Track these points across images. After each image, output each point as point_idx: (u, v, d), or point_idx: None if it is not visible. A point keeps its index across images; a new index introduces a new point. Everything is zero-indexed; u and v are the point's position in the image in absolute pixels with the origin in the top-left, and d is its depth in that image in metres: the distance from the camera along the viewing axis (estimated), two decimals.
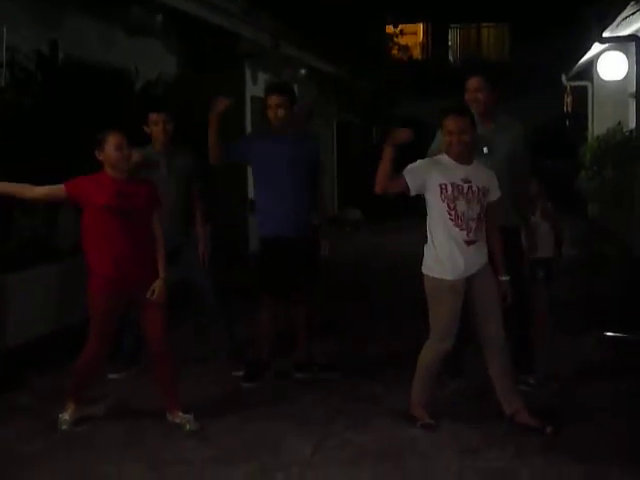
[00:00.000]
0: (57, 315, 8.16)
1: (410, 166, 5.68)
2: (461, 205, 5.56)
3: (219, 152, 6.74)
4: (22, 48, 8.38)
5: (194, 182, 7.23)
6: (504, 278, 5.73)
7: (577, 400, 6.36)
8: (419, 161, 5.74)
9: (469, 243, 5.60)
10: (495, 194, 5.73)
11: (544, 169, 21.78)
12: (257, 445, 5.62)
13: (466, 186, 5.58)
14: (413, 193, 5.64)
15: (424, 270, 5.74)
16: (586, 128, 19.07)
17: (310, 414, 6.18)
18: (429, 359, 5.79)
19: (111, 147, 5.70)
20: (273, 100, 6.74)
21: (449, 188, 5.57)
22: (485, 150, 6.14)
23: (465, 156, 5.66)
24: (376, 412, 6.16)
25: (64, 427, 5.87)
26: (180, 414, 5.93)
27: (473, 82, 6.35)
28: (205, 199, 7.36)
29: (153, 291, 5.76)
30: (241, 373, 7.03)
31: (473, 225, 5.59)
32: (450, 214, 5.57)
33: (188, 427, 5.86)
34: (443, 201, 5.58)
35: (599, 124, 17.20)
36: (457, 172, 5.61)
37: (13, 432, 5.89)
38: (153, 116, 7.04)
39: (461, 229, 5.58)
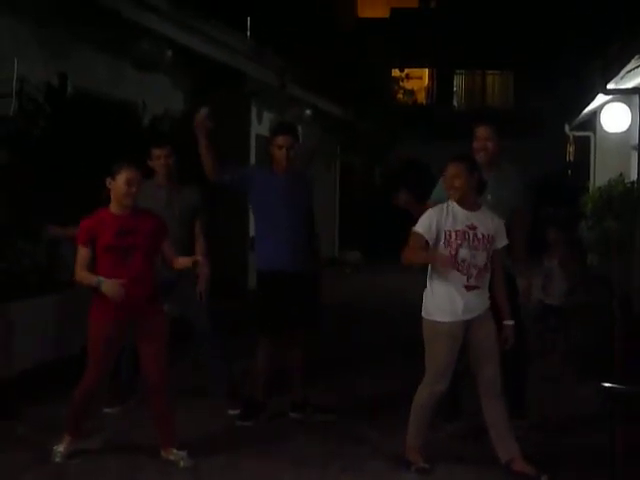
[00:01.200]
0: (55, 345, 8.16)
1: (421, 221, 5.69)
2: (464, 252, 5.58)
3: (213, 165, 6.85)
4: (32, 79, 8.44)
5: (197, 217, 7.21)
6: (508, 322, 5.72)
7: (567, 449, 6.34)
8: (428, 212, 5.75)
9: (469, 288, 5.61)
10: (502, 241, 5.74)
11: (545, 217, 21.91)
12: None
13: (471, 233, 5.60)
14: (432, 244, 5.65)
15: (423, 314, 5.76)
16: (588, 178, 19.13)
17: (306, 455, 6.16)
18: (423, 401, 5.79)
19: (122, 180, 5.70)
20: (283, 141, 6.83)
21: (453, 235, 5.60)
22: (489, 197, 6.19)
23: (469, 202, 5.68)
24: (372, 455, 6.14)
25: (57, 459, 5.84)
26: (174, 451, 5.90)
27: (483, 131, 6.41)
28: (207, 235, 7.33)
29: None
30: (237, 412, 7.01)
31: (474, 272, 5.60)
32: (453, 260, 5.58)
33: (182, 464, 5.83)
34: (446, 247, 5.60)
35: (601, 175, 17.24)
36: (463, 218, 5.64)
37: (5, 463, 5.86)
38: (155, 151, 7.09)
39: (462, 274, 5.59)
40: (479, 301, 5.67)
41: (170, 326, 6.13)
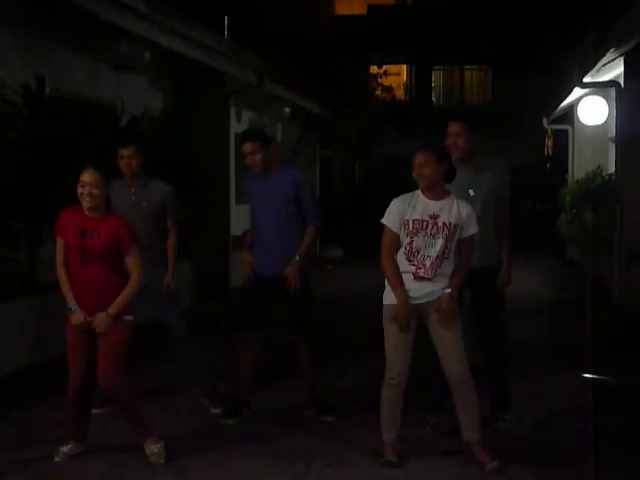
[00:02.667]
0: (38, 347, 8.17)
1: (387, 213, 5.78)
2: (418, 241, 5.65)
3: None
4: (9, 82, 8.46)
5: (167, 214, 7.17)
6: (447, 290, 5.68)
7: (547, 439, 6.40)
8: (393, 203, 5.81)
9: (416, 278, 5.67)
10: (469, 230, 5.75)
11: (524, 210, 22.05)
12: None
13: (431, 222, 5.65)
14: (399, 233, 5.72)
15: (383, 301, 5.85)
16: (566, 171, 19.26)
17: (289, 451, 6.19)
18: (383, 392, 5.88)
19: (79, 183, 5.73)
20: (246, 148, 6.88)
21: (410, 224, 5.67)
22: (471, 192, 6.24)
23: (436, 190, 5.72)
24: (355, 450, 6.18)
25: (57, 459, 5.88)
26: (147, 445, 5.99)
27: (454, 127, 6.46)
28: (180, 233, 7.30)
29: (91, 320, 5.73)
30: (218, 411, 7.06)
31: (427, 262, 5.64)
32: (405, 248, 5.68)
33: (155, 458, 5.93)
34: (406, 236, 5.69)
35: (579, 167, 17.37)
36: (425, 208, 5.69)
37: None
38: (120, 150, 7.03)
39: (412, 264, 5.67)
40: (431, 289, 5.69)
41: (135, 331, 6.00)
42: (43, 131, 8.49)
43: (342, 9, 30.47)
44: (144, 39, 10.19)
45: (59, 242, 5.82)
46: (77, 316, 5.70)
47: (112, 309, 5.71)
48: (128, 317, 5.84)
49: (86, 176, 5.71)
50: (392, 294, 5.73)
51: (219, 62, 12.71)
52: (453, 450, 6.05)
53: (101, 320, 5.69)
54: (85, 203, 5.72)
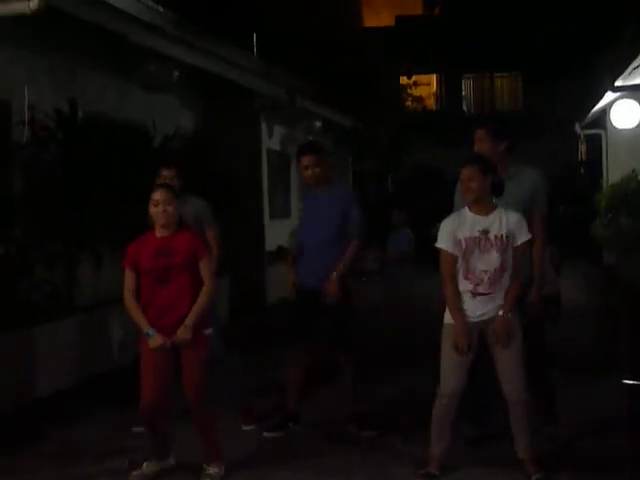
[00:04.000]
0: (79, 367, 8.25)
1: (440, 236, 5.76)
2: (474, 258, 5.63)
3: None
4: (43, 107, 8.56)
5: (206, 229, 7.20)
6: (501, 313, 5.64)
7: (591, 449, 6.36)
8: (443, 224, 5.80)
9: (476, 295, 5.65)
10: (522, 237, 5.71)
11: (559, 215, 21.94)
12: None
13: (483, 238, 5.64)
14: (455, 254, 5.70)
15: (444, 319, 5.81)
16: (600, 176, 19.14)
17: (330, 465, 6.19)
18: (434, 408, 5.84)
19: (152, 203, 5.85)
20: (306, 160, 6.89)
21: (463, 242, 5.65)
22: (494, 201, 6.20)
23: (483, 204, 5.70)
24: (397, 462, 6.16)
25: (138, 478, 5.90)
26: (206, 468, 5.96)
27: (478, 133, 6.43)
28: (221, 249, 7.35)
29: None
30: (251, 427, 7.08)
31: (485, 277, 5.62)
32: (462, 266, 5.66)
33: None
34: (459, 254, 5.67)
35: (613, 172, 17.26)
36: (475, 225, 5.67)
37: None
38: (163, 171, 7.10)
39: (470, 282, 5.64)
40: (491, 306, 5.66)
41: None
42: (77, 154, 8.59)
43: (370, 21, 30.52)
44: (172, 58, 10.27)
45: (129, 275, 5.84)
46: (155, 340, 5.71)
47: (189, 320, 5.76)
48: (207, 331, 5.95)
49: (158, 195, 5.83)
50: (447, 312, 5.73)
51: (248, 80, 12.78)
52: (489, 462, 6.03)
53: (181, 334, 5.75)
54: (160, 220, 5.82)
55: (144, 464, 5.95)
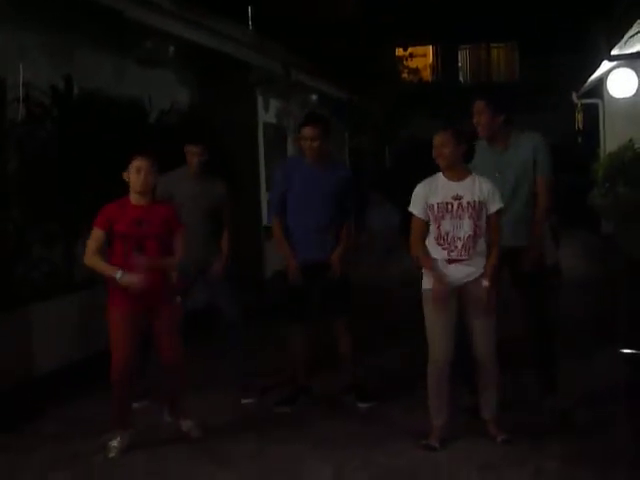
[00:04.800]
0: (78, 345, 8.26)
1: (413, 201, 5.84)
2: (446, 224, 5.71)
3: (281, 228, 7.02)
4: (38, 83, 8.53)
5: (223, 210, 7.39)
6: (484, 283, 5.73)
7: (593, 416, 6.39)
8: (416, 189, 5.88)
9: (450, 262, 5.73)
10: (494, 205, 5.78)
11: (558, 184, 21.92)
12: (278, 468, 5.71)
13: (456, 203, 5.71)
14: (426, 219, 5.78)
15: (422, 286, 5.89)
16: (598, 145, 19.13)
17: (330, 437, 6.23)
18: (429, 377, 5.91)
19: (132, 169, 5.94)
20: (307, 132, 6.80)
21: (435, 208, 5.74)
22: (497, 175, 6.20)
23: (456, 171, 5.78)
24: (395, 434, 6.20)
25: (113, 454, 5.93)
26: (186, 422, 6.22)
27: (475, 106, 6.45)
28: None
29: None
30: (250, 400, 7.16)
31: (459, 244, 5.70)
32: (434, 232, 5.75)
33: (194, 434, 6.20)
34: (431, 221, 5.76)
35: (610, 141, 17.25)
36: (448, 190, 5.75)
37: (38, 461, 5.96)
38: (190, 147, 7.22)
39: (443, 248, 5.73)
40: (466, 271, 5.74)
41: (185, 319, 6.37)
42: (73, 130, 8.57)
43: None
44: (168, 34, 10.23)
45: (99, 234, 5.90)
46: (129, 277, 5.79)
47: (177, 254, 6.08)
48: (178, 299, 6.23)
49: (140, 162, 5.95)
50: (426, 278, 5.79)
51: (244, 53, 12.73)
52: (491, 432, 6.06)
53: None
54: (137, 187, 5.93)
55: (111, 443, 5.98)
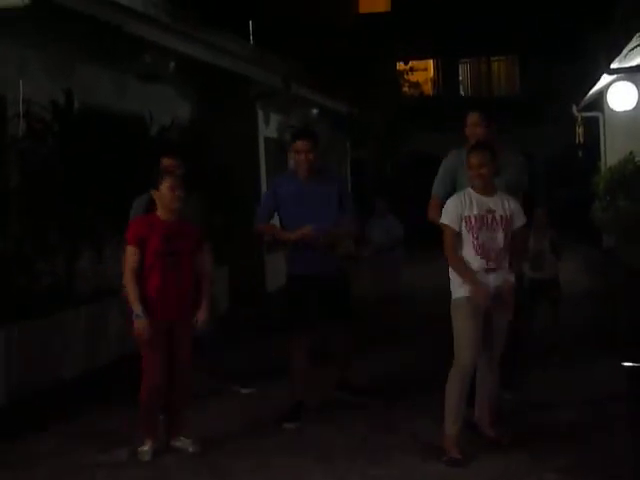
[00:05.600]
0: (81, 359, 8.27)
1: (446, 212, 5.96)
2: (483, 235, 5.85)
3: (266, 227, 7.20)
4: (38, 99, 8.55)
5: (204, 222, 7.34)
6: (509, 277, 5.93)
7: (593, 427, 6.39)
8: (448, 202, 6.01)
9: (488, 271, 5.86)
10: (519, 221, 5.99)
11: (557, 198, 21.94)
12: None
13: (490, 216, 5.88)
14: (458, 230, 5.90)
15: (452, 295, 5.98)
16: (598, 158, 19.12)
17: (333, 447, 6.23)
18: (453, 382, 5.92)
19: (166, 187, 5.99)
20: (301, 145, 6.97)
21: (473, 220, 5.87)
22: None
23: (488, 188, 5.94)
24: (400, 446, 6.19)
25: (147, 458, 6.02)
26: (181, 438, 6.20)
27: (471, 118, 6.56)
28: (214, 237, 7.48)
29: (197, 320, 6.11)
30: (250, 390, 7.62)
31: (493, 254, 5.85)
32: (473, 243, 5.86)
33: (190, 450, 6.16)
34: (469, 232, 5.87)
35: (611, 154, 17.24)
36: (481, 204, 5.89)
37: (39, 476, 5.94)
38: (165, 161, 7.12)
39: (482, 257, 5.85)
40: (500, 279, 5.89)
41: None
42: (74, 145, 8.58)
43: (365, 7, 30.41)
44: (168, 49, 10.27)
45: (134, 251, 5.94)
46: (142, 322, 5.86)
47: (205, 301, 6.18)
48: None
49: (174, 180, 6.05)
50: (461, 287, 5.88)
51: (244, 68, 12.76)
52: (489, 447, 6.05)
53: (205, 316, 6.17)
54: (173, 204, 6.01)
55: (142, 448, 6.05)
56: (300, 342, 7.06)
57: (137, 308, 5.88)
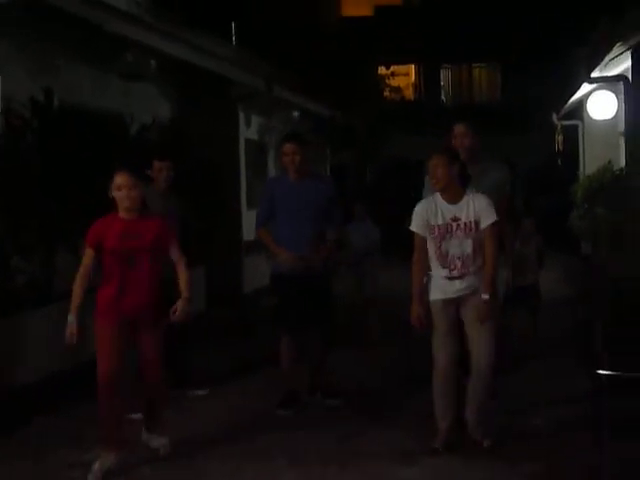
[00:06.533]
0: (56, 358, 8.21)
1: (414, 220, 6.06)
2: (446, 244, 5.93)
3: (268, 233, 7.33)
4: (18, 96, 8.49)
5: (188, 223, 7.64)
6: (484, 296, 5.91)
7: (564, 436, 6.43)
8: (416, 209, 6.08)
9: (452, 279, 5.95)
10: (487, 220, 5.95)
11: (538, 206, 22.03)
12: None
13: (454, 224, 5.93)
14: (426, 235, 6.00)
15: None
16: (577, 166, 19.20)
17: (305, 453, 6.22)
18: (434, 378, 6.10)
19: (114, 187, 5.91)
20: (289, 148, 7.25)
21: (436, 230, 5.96)
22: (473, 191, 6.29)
23: (452, 193, 5.97)
24: (372, 451, 6.21)
25: (90, 477, 5.72)
26: (155, 437, 6.22)
27: (458, 128, 6.63)
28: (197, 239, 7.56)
29: (174, 311, 5.95)
30: (201, 392, 7.67)
31: (459, 263, 5.92)
32: (436, 252, 5.97)
33: (162, 451, 6.16)
34: (432, 241, 5.98)
35: (590, 162, 17.31)
36: (446, 212, 5.95)
37: (14, 474, 5.94)
38: (157, 164, 7.50)
39: (443, 267, 5.96)
40: (467, 284, 5.96)
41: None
42: (53, 143, 8.54)
43: (348, 11, 30.47)
44: (149, 48, 10.23)
45: (89, 252, 5.89)
46: (69, 328, 5.76)
47: (187, 293, 6.02)
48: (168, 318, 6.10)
49: (120, 178, 5.89)
50: (433, 291, 6.03)
51: (226, 69, 12.74)
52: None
53: (184, 306, 5.97)
54: (124, 203, 5.88)
55: (97, 462, 5.80)
56: (287, 339, 7.30)
57: (72, 313, 5.79)
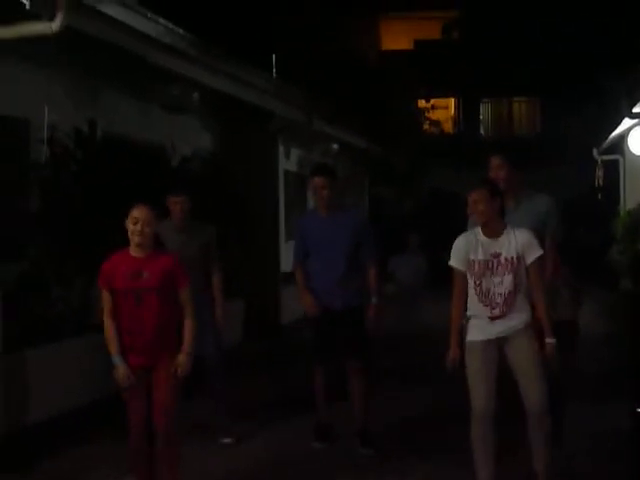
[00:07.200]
0: (92, 388, 8.24)
1: (454, 254, 5.86)
2: (487, 281, 5.71)
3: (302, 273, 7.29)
4: (62, 126, 8.62)
5: (211, 254, 7.60)
6: (549, 340, 5.71)
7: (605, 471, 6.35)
8: (456, 243, 5.89)
9: (493, 319, 5.73)
10: (533, 254, 5.74)
11: (578, 238, 21.88)
12: None
13: (495, 261, 5.71)
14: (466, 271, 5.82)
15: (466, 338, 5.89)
16: (618, 202, 19.07)
17: None
18: (472, 431, 5.82)
19: (130, 219, 5.63)
20: (317, 182, 7.14)
21: (476, 266, 5.75)
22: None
23: (493, 227, 5.77)
24: None
25: None
26: None
27: (495, 160, 6.50)
28: (230, 270, 7.55)
29: (176, 368, 5.61)
30: (229, 440, 7.37)
31: (500, 300, 5.69)
32: (476, 290, 5.75)
33: None
34: (471, 277, 5.76)
35: (631, 198, 17.19)
36: (487, 247, 5.74)
37: None
38: (171, 198, 7.47)
39: (485, 305, 5.73)
40: (510, 324, 5.74)
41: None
42: (95, 174, 8.63)
43: (388, 44, 30.63)
44: (191, 80, 10.34)
45: (105, 295, 5.63)
46: (118, 370, 5.56)
47: (188, 347, 5.65)
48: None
49: (138, 212, 5.61)
50: (472, 331, 5.81)
51: (267, 101, 12.82)
52: None
53: (184, 362, 5.62)
54: (136, 239, 5.59)
55: None
56: (321, 372, 7.26)
57: (114, 355, 5.57)
